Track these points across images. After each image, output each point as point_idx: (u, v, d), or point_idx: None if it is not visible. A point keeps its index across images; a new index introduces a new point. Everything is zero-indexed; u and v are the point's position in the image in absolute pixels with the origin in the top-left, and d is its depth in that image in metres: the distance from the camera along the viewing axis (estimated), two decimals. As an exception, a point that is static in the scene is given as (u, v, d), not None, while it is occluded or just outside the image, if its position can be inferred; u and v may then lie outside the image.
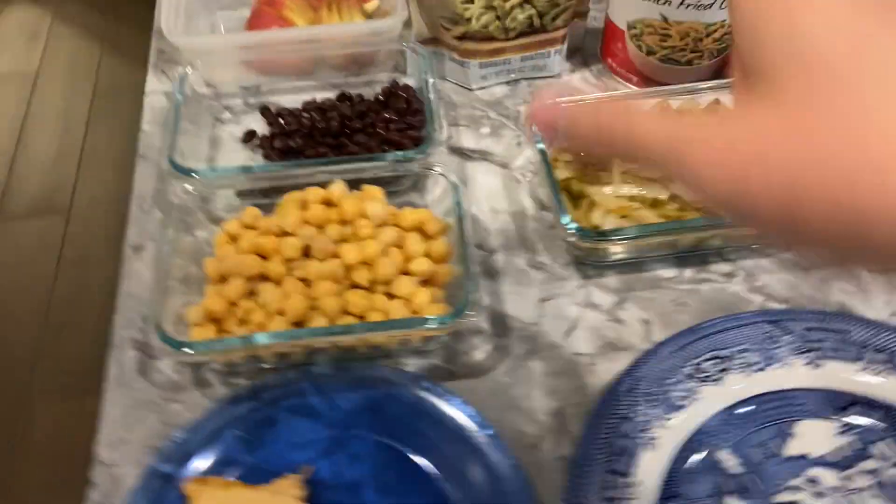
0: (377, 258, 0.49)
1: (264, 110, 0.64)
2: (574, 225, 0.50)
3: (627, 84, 0.66)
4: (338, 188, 0.52)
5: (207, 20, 0.72)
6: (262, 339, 0.45)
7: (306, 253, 0.50)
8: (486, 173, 0.60)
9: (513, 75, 0.66)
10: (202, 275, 0.51)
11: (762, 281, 0.53)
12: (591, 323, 0.51)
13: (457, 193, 0.52)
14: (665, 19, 0.59)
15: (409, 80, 0.65)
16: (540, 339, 0.51)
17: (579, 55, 0.68)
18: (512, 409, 0.47)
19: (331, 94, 0.65)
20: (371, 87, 0.66)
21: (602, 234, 0.50)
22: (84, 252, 1.73)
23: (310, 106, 0.63)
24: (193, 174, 0.54)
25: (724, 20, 0.59)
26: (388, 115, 0.59)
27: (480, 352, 0.50)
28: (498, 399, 0.48)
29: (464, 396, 0.46)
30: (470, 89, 0.66)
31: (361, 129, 0.60)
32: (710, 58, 0.62)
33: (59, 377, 1.50)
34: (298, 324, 0.48)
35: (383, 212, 0.51)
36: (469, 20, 0.61)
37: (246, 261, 0.49)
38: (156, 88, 0.67)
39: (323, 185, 0.53)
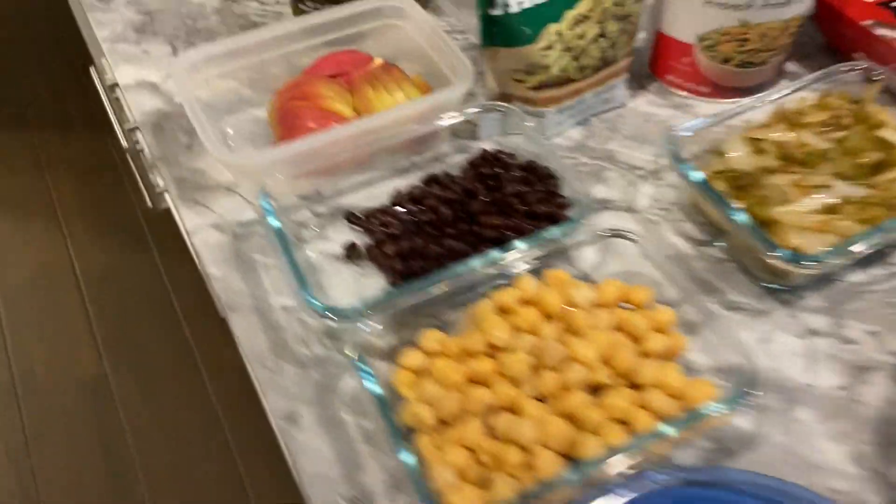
0: (615, 348, 0.43)
1: (351, 217, 0.55)
2: (788, 252, 0.46)
3: (697, 97, 0.63)
4: (528, 283, 0.45)
5: (216, 130, 0.61)
6: (577, 477, 0.38)
7: (529, 366, 0.43)
8: (617, 222, 0.55)
9: (584, 114, 0.62)
10: (380, 427, 0.43)
11: (944, 259, 0.52)
12: (824, 351, 0.48)
13: (654, 252, 0.47)
14: (745, 24, 0.57)
15: (484, 145, 0.59)
16: (787, 384, 0.46)
17: (632, 79, 0.65)
18: (811, 469, 0.43)
19: (401, 181, 0.57)
20: (441, 161, 0.60)
21: (835, 253, 0.46)
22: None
23: (400, 199, 0.55)
24: (343, 314, 0.45)
25: (800, 13, 0.58)
26: (519, 188, 0.52)
27: (740, 418, 0.45)
28: (792, 464, 0.43)
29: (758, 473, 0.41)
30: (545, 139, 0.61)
31: (483, 210, 0.53)
32: (783, 52, 0.61)
33: None
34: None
35: (592, 295, 0.45)
36: (547, 67, 0.56)
37: (476, 395, 0.41)
38: (200, 223, 0.56)
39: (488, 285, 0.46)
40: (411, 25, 0.63)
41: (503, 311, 0.45)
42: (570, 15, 0.55)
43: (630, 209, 0.56)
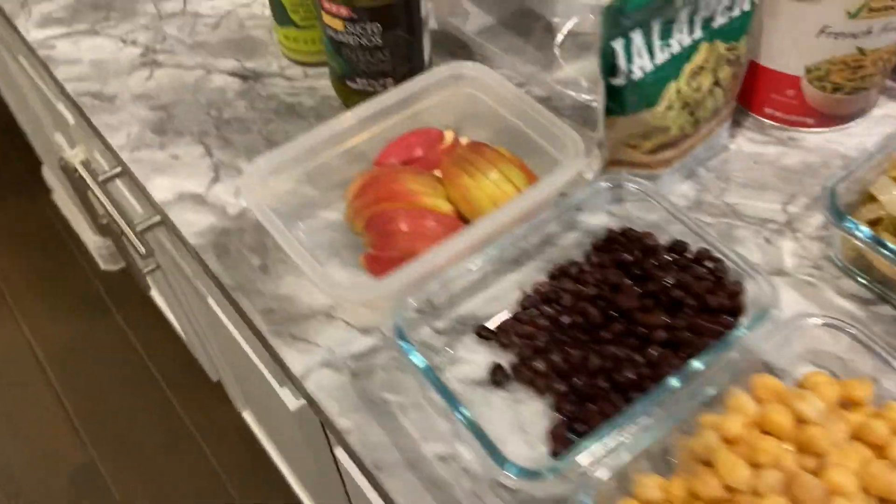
0: (869, 467, 0.38)
1: (483, 332, 0.48)
2: None
3: (801, 129, 0.59)
4: (746, 402, 0.39)
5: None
6: None
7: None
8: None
9: (691, 166, 0.56)
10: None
11: None
12: None
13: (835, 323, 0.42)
14: (862, 51, 0.53)
15: (594, 218, 0.52)
16: None
17: (724, 117, 0.60)
18: None
19: (516, 275, 0.51)
20: (553, 244, 0.53)
21: None
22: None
23: (531, 302, 0.49)
24: (546, 476, 0.38)
25: (913, 29, 0.54)
26: (680, 277, 0.46)
27: None
28: None
29: None
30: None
31: (640, 306, 0.46)
32: (891, 72, 0.57)
33: None
34: None
35: (825, 405, 0.40)
36: (667, 129, 0.50)
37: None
38: (308, 364, 0.48)
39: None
40: (482, 92, 0.56)
41: (728, 441, 0.39)
42: (688, 69, 0.49)
43: (779, 272, 0.51)
